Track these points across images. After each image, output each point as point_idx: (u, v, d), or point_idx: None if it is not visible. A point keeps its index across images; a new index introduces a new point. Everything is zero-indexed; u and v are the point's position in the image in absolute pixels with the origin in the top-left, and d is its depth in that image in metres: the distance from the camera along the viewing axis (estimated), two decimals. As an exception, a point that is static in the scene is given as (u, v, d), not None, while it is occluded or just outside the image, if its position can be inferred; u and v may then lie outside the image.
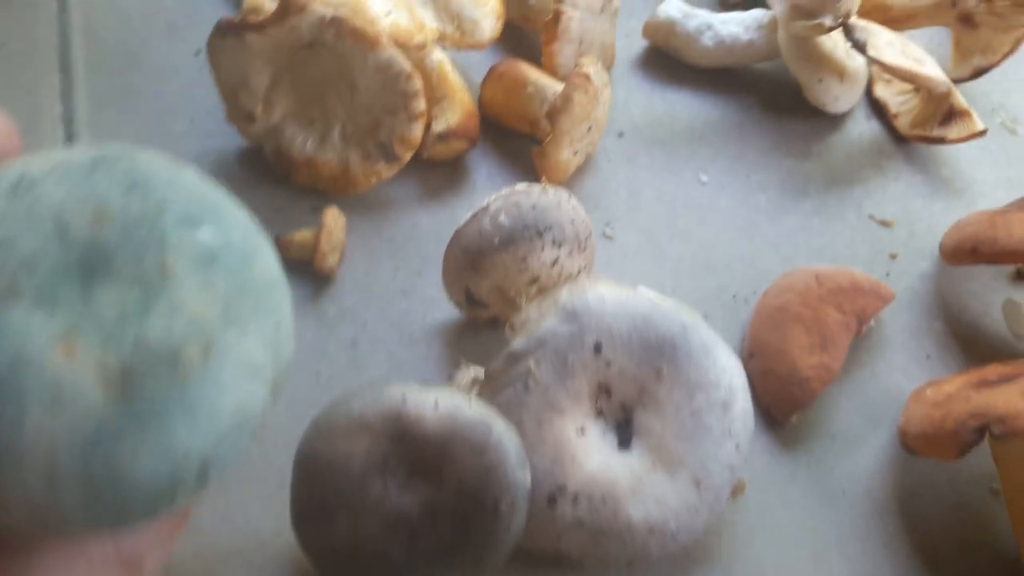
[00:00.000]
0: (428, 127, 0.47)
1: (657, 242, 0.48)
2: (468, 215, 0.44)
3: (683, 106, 0.54)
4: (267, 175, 0.48)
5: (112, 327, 0.18)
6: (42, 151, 0.22)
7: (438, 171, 0.50)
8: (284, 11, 0.42)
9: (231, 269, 0.20)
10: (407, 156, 0.46)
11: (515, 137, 0.51)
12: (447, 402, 0.34)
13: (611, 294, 0.37)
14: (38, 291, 0.18)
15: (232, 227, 0.21)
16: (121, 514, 0.19)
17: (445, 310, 0.45)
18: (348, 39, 0.43)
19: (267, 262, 0.21)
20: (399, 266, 0.46)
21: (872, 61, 0.49)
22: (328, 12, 0.42)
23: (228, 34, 0.44)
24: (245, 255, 0.20)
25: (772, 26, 0.54)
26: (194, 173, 0.21)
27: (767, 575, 0.39)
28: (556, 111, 0.46)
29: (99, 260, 0.19)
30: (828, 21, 0.50)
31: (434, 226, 0.48)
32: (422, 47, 0.46)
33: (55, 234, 0.19)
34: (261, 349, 0.20)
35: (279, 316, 0.21)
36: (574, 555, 0.36)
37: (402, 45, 0.45)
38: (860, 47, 0.48)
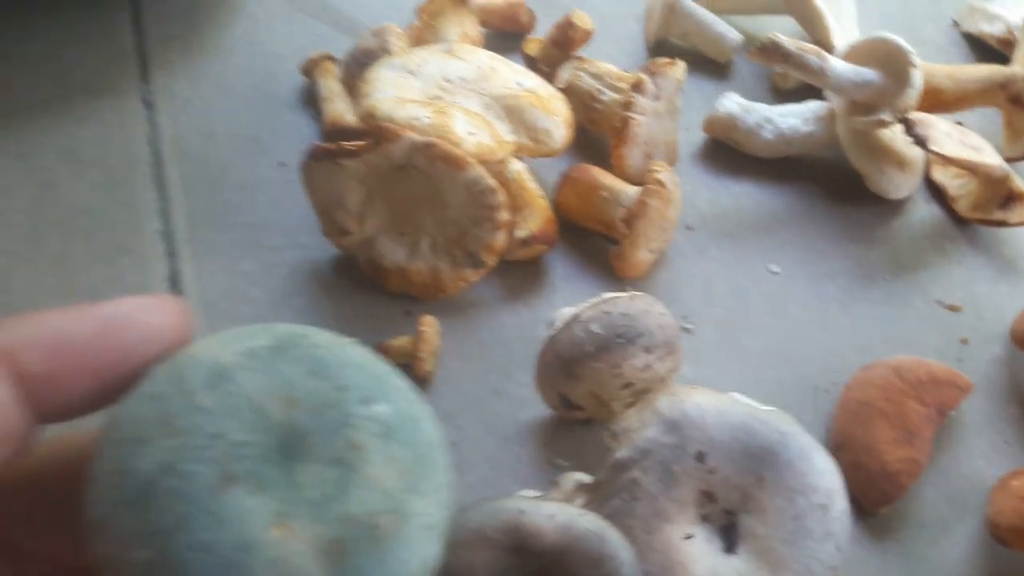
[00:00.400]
0: (510, 233, 0.49)
1: (735, 335, 0.50)
2: (553, 318, 0.46)
3: (747, 197, 0.56)
4: (361, 282, 0.50)
5: (318, 504, 0.20)
6: (220, 334, 0.23)
7: (518, 271, 0.52)
8: (379, 139, 0.45)
9: (406, 440, 0.22)
10: (493, 262, 0.49)
11: (589, 236, 0.53)
12: (563, 515, 0.36)
13: (709, 403, 0.39)
14: (249, 476, 0.20)
15: (400, 399, 0.23)
16: None
17: (537, 408, 0.46)
18: (439, 162, 0.45)
19: (429, 426, 0.23)
20: (490, 367, 0.48)
21: (934, 155, 0.51)
22: (419, 139, 0.45)
23: (323, 159, 0.47)
24: (414, 424, 0.22)
25: (830, 117, 0.56)
26: (357, 347, 0.24)
27: (869, 669, 0.40)
28: (633, 216, 0.48)
29: (295, 441, 0.21)
30: (887, 116, 0.52)
31: (518, 326, 0.50)
32: (502, 161, 0.49)
33: (255, 421, 0.21)
34: (435, 508, 0.22)
35: (444, 475, 0.23)
36: (685, 658, 0.38)
37: (485, 161, 0.47)
38: (921, 143, 0.50)
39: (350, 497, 0.20)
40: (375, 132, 0.45)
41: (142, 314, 0.23)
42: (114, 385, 0.22)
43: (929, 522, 0.44)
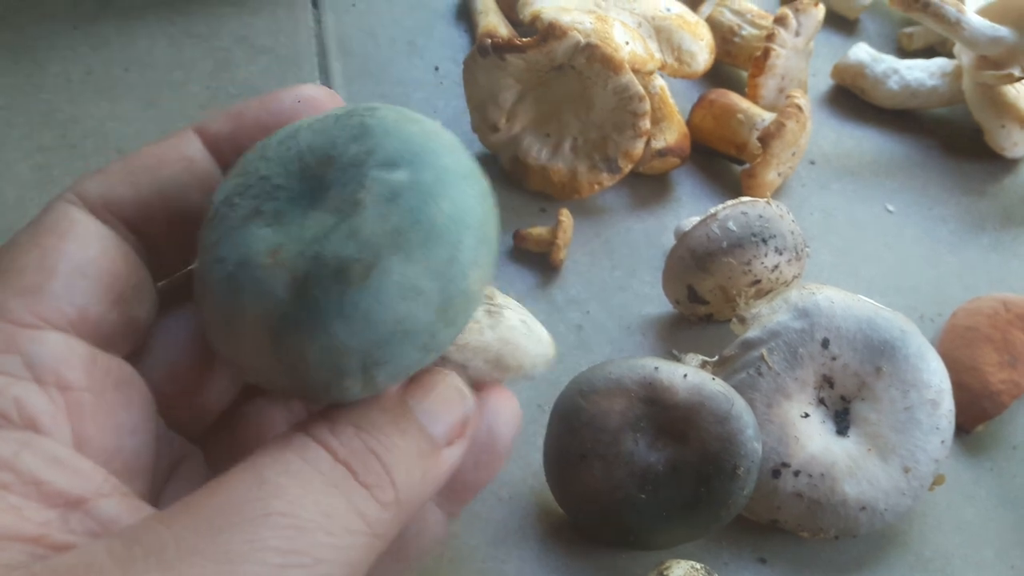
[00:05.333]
0: (648, 144, 0.53)
1: (850, 262, 0.53)
2: (681, 226, 0.49)
3: (868, 141, 0.59)
4: (501, 180, 0.54)
5: (307, 242, 0.23)
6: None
7: (647, 184, 0.55)
8: (547, 36, 0.49)
9: (408, 207, 0.22)
10: (628, 169, 0.52)
11: (716, 159, 0.56)
12: (695, 376, 0.40)
13: (838, 297, 0.42)
14: (274, 214, 0.24)
15: (426, 171, 0.23)
16: (305, 389, 0.23)
17: (658, 305, 0.50)
18: (597, 63, 0.49)
19: (457, 204, 0.23)
20: (616, 264, 0.52)
21: (1060, 111, 0.53)
22: (583, 39, 0.49)
23: (489, 54, 0.51)
24: (428, 196, 0.23)
25: (956, 74, 0.58)
26: (423, 125, 0.25)
27: (954, 563, 0.43)
28: (770, 135, 0.51)
29: (320, 192, 0.24)
30: (1017, 72, 0.54)
31: (645, 232, 0.54)
32: (651, 73, 0.53)
33: (297, 171, 0.24)
34: (426, 276, 0.22)
35: (454, 252, 0.23)
36: (789, 525, 0.41)
37: (636, 71, 0.51)
38: (1050, 98, 0.53)
39: (330, 241, 0.22)
40: (544, 30, 0.49)
41: (306, 91, 0.28)
42: None
43: (1021, 445, 0.47)
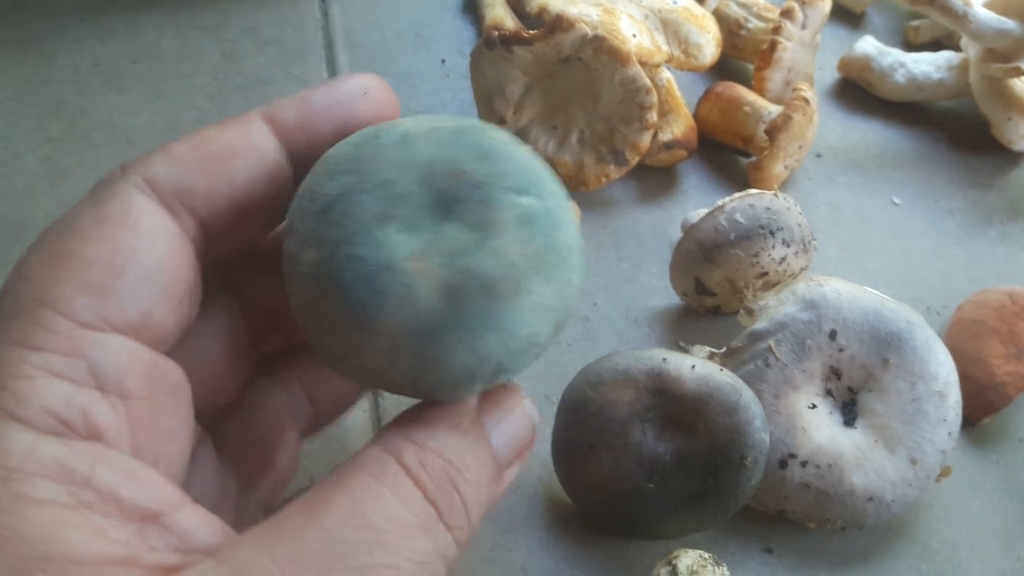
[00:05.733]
0: (654, 136, 0.53)
1: (857, 255, 0.53)
2: (688, 218, 0.50)
3: (875, 134, 0.59)
4: (508, 170, 0.54)
5: (453, 254, 0.24)
6: (418, 116, 0.27)
7: (654, 177, 0.56)
8: (553, 28, 0.49)
9: (543, 231, 0.25)
10: (635, 161, 0.53)
11: (723, 152, 0.56)
12: (702, 367, 0.40)
13: (845, 289, 0.42)
14: (405, 218, 0.24)
15: (549, 198, 0.26)
16: (429, 388, 0.25)
17: (665, 297, 0.50)
18: (604, 55, 0.49)
19: (571, 231, 0.26)
20: (622, 256, 0.52)
21: (1067, 104, 0.53)
22: (590, 31, 0.49)
23: (495, 46, 0.51)
24: (556, 222, 0.25)
25: (963, 67, 0.58)
26: (526, 150, 0.27)
27: (960, 554, 0.43)
28: (776, 128, 0.51)
29: (450, 205, 0.25)
30: (1023, 65, 0.54)
31: (652, 224, 0.54)
32: (658, 66, 0.53)
33: (422, 179, 0.25)
34: (553, 296, 0.25)
35: (571, 275, 0.26)
36: (796, 516, 0.41)
37: (643, 64, 0.51)
38: (1057, 91, 0.53)
39: (478, 257, 0.24)
40: (551, 22, 0.49)
41: (366, 81, 0.28)
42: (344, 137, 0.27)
43: (1028, 438, 0.47)
